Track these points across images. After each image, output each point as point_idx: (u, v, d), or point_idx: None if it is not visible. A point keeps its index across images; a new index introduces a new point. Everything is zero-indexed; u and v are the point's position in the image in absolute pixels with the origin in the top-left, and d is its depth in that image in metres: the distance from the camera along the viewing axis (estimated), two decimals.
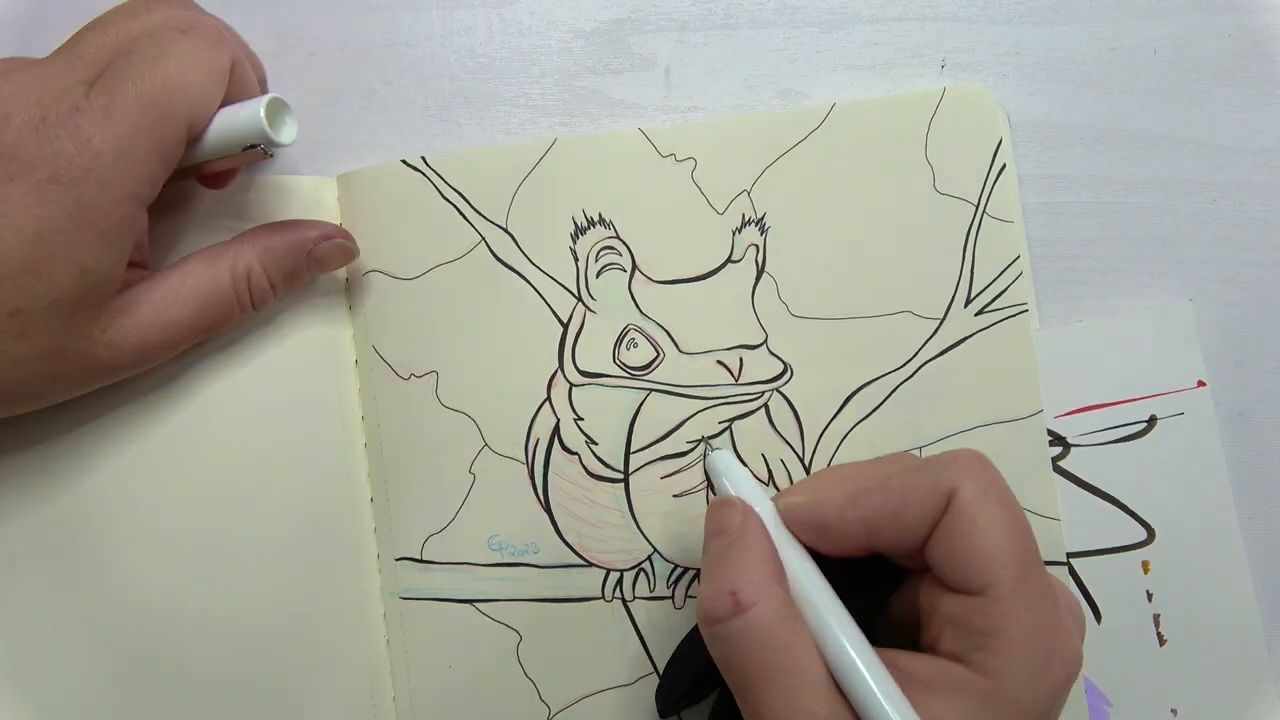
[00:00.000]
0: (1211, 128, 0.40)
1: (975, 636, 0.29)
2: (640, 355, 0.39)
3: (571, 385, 0.39)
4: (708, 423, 0.39)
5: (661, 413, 0.39)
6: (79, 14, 0.38)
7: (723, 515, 0.32)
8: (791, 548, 0.31)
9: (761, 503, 0.32)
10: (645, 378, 0.39)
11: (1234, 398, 0.40)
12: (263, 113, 0.33)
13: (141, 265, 0.36)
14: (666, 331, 0.39)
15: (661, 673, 0.37)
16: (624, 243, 0.39)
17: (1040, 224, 0.40)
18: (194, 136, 0.34)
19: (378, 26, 0.41)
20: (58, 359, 0.33)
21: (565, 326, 0.39)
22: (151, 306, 0.35)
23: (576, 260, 0.39)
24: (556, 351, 0.39)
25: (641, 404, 0.39)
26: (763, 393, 0.39)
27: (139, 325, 0.34)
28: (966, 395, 0.39)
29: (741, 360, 0.39)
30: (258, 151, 0.34)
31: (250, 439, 0.39)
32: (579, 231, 0.39)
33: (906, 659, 0.30)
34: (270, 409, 0.39)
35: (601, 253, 0.39)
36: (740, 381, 0.39)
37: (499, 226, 0.39)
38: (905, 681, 0.29)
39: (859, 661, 0.29)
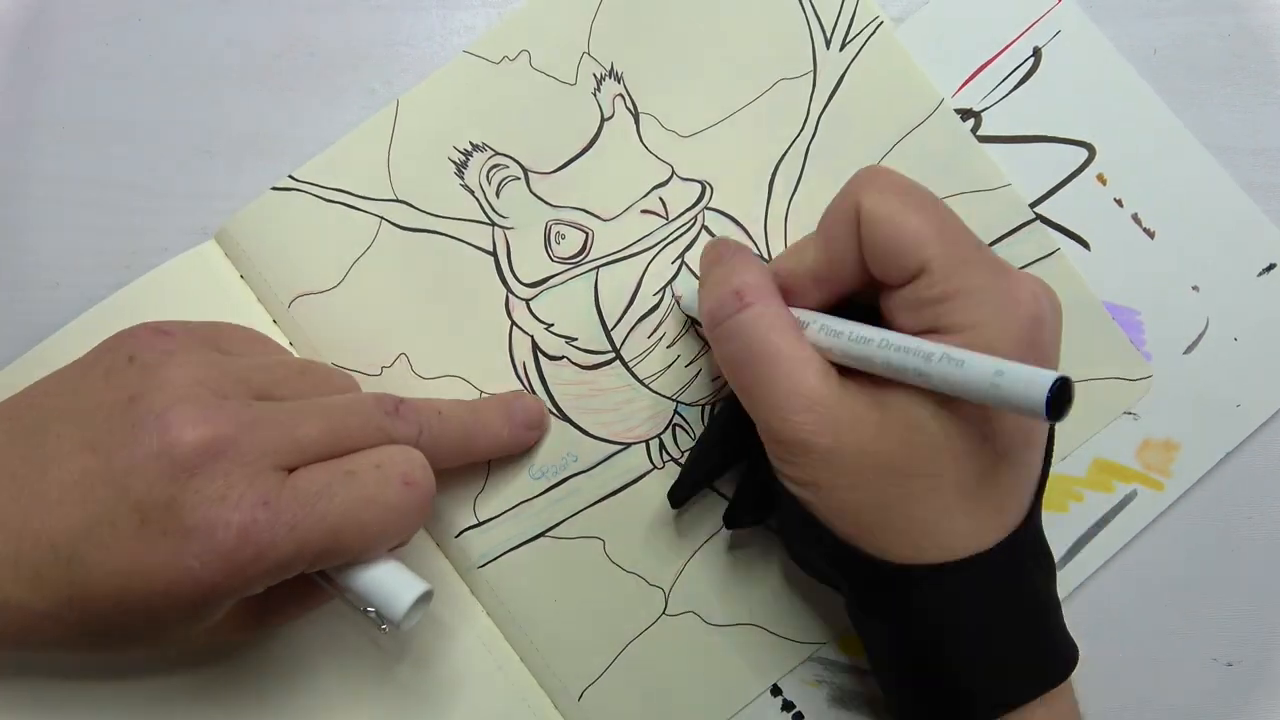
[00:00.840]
0: (1211, 128, 0.41)
1: (930, 307, 0.30)
2: (571, 243, 0.39)
3: (526, 301, 0.39)
4: (662, 268, 0.39)
5: (617, 282, 0.39)
6: (79, 14, 0.40)
7: (717, 247, 0.35)
8: None
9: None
10: (586, 260, 0.39)
11: (1234, 397, 0.40)
12: (410, 601, 0.32)
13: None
14: (583, 210, 0.40)
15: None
16: (505, 155, 0.40)
17: None
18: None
19: (378, 26, 0.41)
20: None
21: (494, 253, 0.39)
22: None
23: (472, 192, 0.39)
24: (498, 278, 0.39)
25: (596, 284, 0.39)
26: (694, 217, 0.40)
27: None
28: (870, 123, 0.40)
29: (661, 199, 0.40)
30: (371, 616, 0.32)
31: None
32: (461, 167, 0.40)
33: None
34: None
35: (490, 173, 0.39)
36: (670, 218, 0.40)
37: (390, 200, 0.39)
38: None
39: (845, 326, 0.31)
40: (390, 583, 0.32)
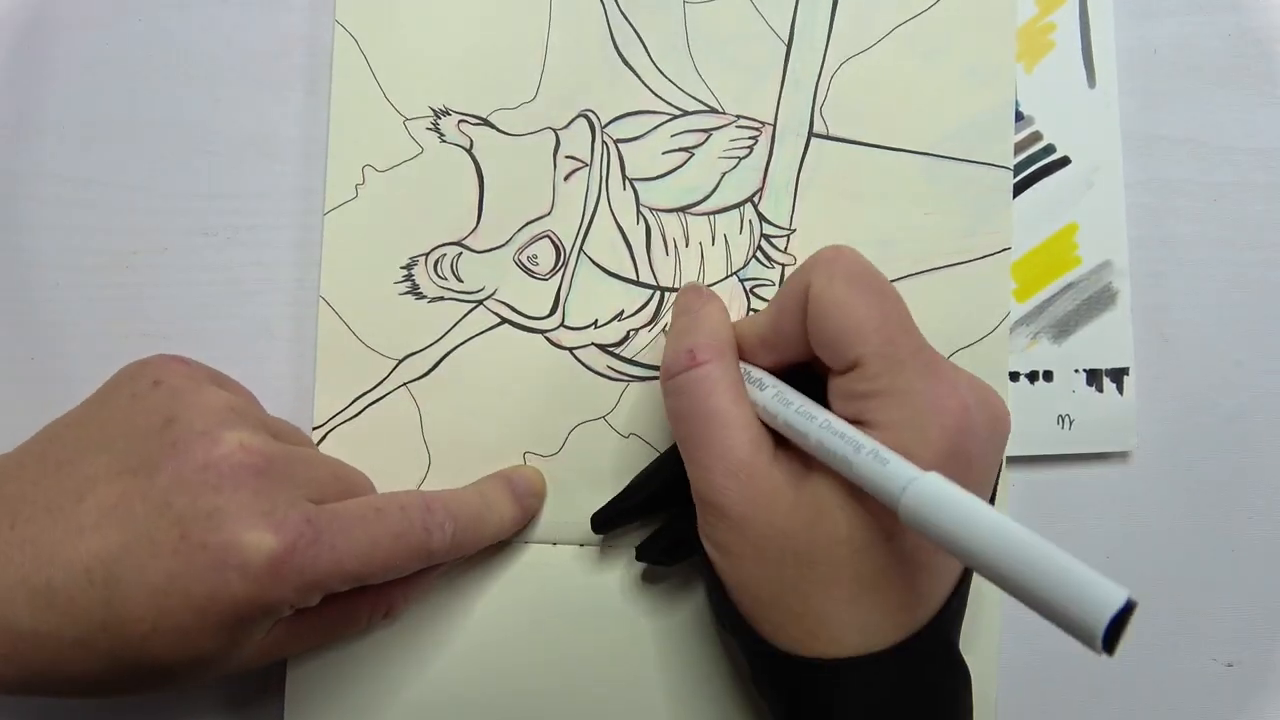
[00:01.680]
0: (1212, 128, 0.42)
1: (857, 401, 0.31)
2: (546, 255, 0.40)
3: (556, 328, 0.40)
4: (622, 199, 0.40)
5: (603, 242, 0.40)
6: (79, 14, 0.40)
7: (687, 296, 0.36)
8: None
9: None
10: (568, 253, 0.40)
11: (1234, 398, 0.41)
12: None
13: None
14: (527, 224, 0.40)
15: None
16: (437, 248, 0.40)
17: None
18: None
19: None
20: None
21: (503, 321, 0.40)
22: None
23: (444, 295, 0.39)
24: (525, 333, 0.40)
25: (592, 261, 0.40)
26: (603, 143, 0.40)
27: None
28: None
29: (569, 156, 0.40)
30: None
31: None
32: (415, 287, 0.40)
33: None
34: None
35: (437, 267, 0.40)
36: (589, 162, 0.40)
37: (405, 359, 0.40)
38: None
39: (795, 399, 0.32)
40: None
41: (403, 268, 0.40)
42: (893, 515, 0.28)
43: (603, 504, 0.38)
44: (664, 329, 0.39)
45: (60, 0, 0.41)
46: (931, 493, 0.27)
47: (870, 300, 0.31)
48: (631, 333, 0.39)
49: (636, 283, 0.40)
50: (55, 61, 0.41)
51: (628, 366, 0.39)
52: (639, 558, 0.37)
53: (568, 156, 0.40)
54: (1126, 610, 0.23)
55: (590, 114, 0.40)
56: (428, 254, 0.40)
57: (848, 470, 0.29)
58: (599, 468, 0.39)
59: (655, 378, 0.39)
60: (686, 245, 0.39)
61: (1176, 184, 0.41)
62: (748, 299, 0.39)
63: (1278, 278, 0.41)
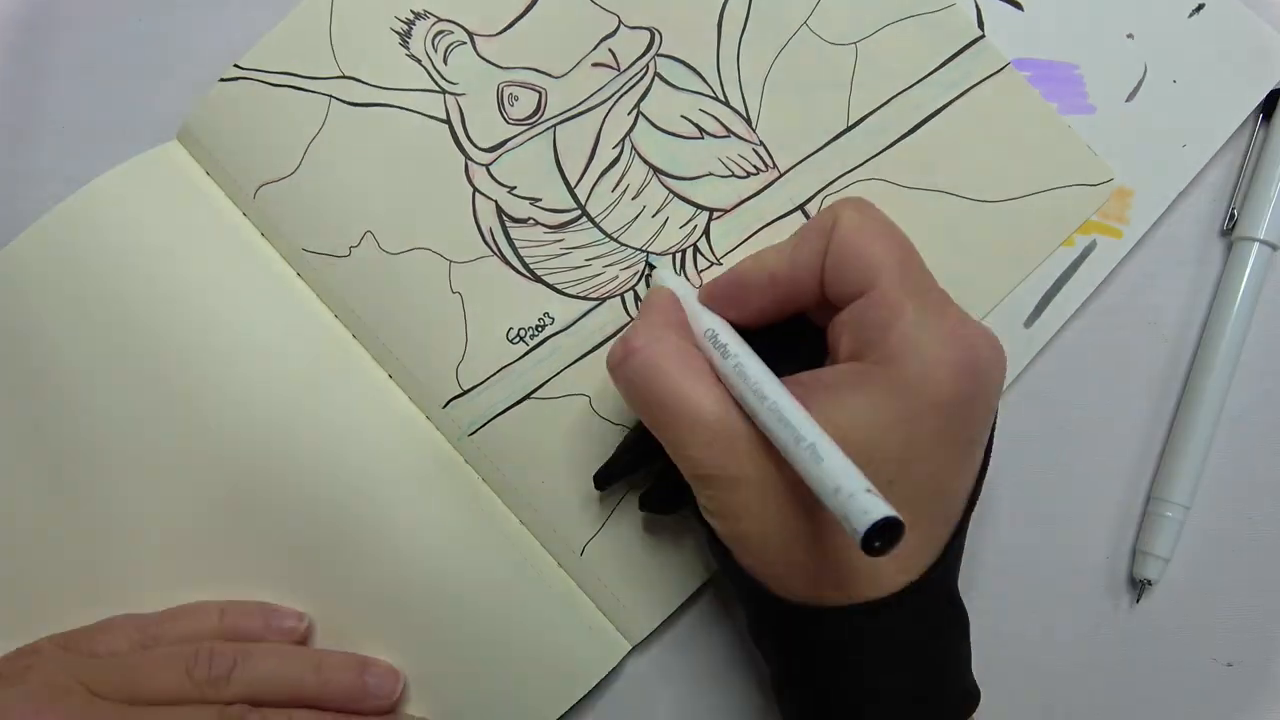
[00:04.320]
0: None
1: (868, 330, 0.30)
2: (525, 104, 0.39)
3: (486, 166, 0.39)
4: (619, 121, 0.39)
5: (576, 138, 0.39)
6: (79, 14, 0.40)
7: (646, 299, 0.36)
8: (706, 314, 0.34)
9: (679, 285, 0.35)
10: (542, 120, 0.39)
11: (1234, 397, 0.40)
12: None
13: None
14: (533, 69, 0.40)
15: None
16: (449, 20, 0.40)
17: None
18: None
19: None
20: None
21: (448, 121, 0.39)
22: None
23: (419, 61, 0.40)
24: (455, 146, 0.39)
25: (555, 142, 0.39)
26: (646, 65, 0.40)
27: None
28: None
29: (611, 51, 0.40)
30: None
31: (248, 399, 0.38)
32: (405, 37, 0.40)
33: (809, 374, 0.32)
34: (247, 359, 0.38)
35: (435, 40, 0.40)
36: (622, 69, 0.40)
37: (337, 78, 0.39)
38: (808, 389, 0.30)
39: (752, 373, 0.30)
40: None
41: (414, 11, 0.39)
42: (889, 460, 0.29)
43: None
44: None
45: (60, 0, 0.41)
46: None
47: (894, 237, 0.32)
48: (533, 221, 0.39)
49: (570, 190, 0.39)
50: (55, 61, 0.41)
51: (508, 239, 0.39)
52: (641, 508, 0.37)
53: (610, 49, 0.40)
54: (885, 525, 0.25)
55: (656, 32, 0.40)
56: (440, 19, 0.39)
57: (789, 459, 0.28)
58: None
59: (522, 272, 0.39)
60: (634, 198, 0.39)
61: None
62: (643, 279, 0.39)
63: (1278, 278, 0.41)
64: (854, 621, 0.30)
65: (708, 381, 0.31)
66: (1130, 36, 0.41)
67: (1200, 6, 0.41)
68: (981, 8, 0.41)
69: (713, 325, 0.33)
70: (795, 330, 0.34)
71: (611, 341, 0.38)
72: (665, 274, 0.37)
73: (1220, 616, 0.40)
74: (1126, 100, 0.40)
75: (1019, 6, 0.41)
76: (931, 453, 0.30)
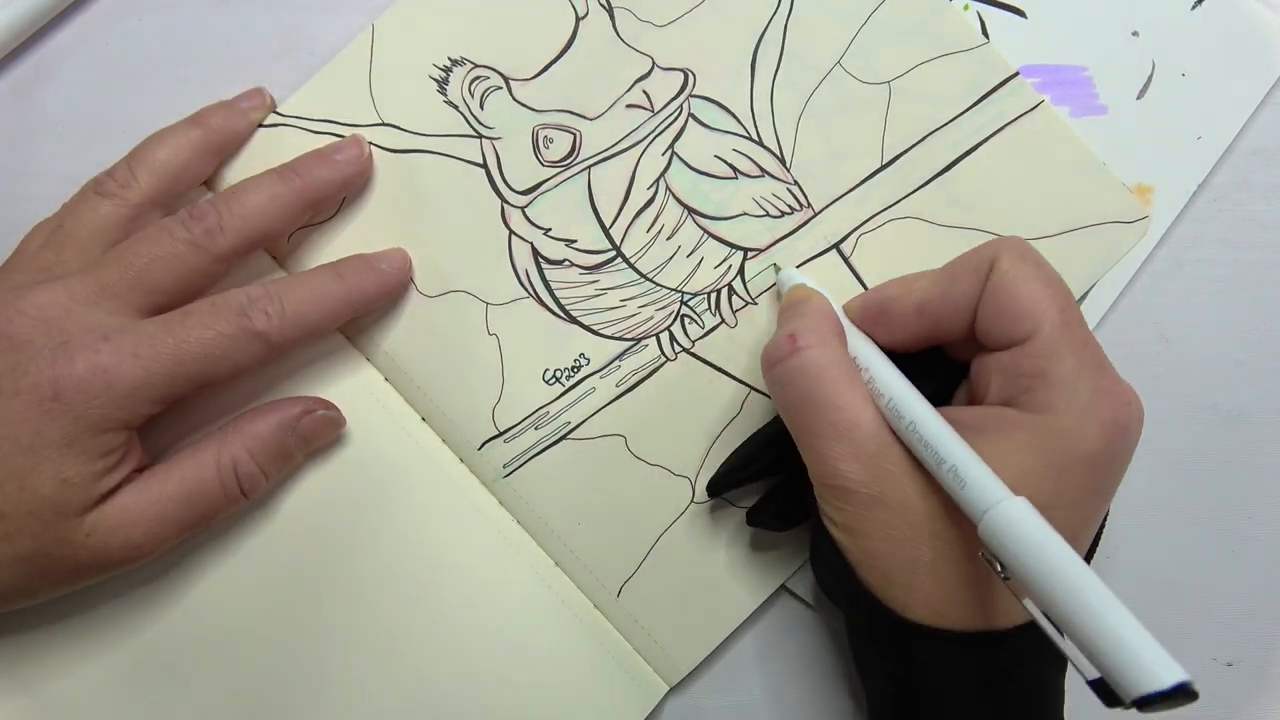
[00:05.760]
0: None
1: (1022, 379, 0.30)
2: (560, 146, 0.40)
3: (522, 208, 0.39)
4: (653, 161, 0.40)
5: (610, 179, 0.40)
6: (79, 14, 0.40)
7: (794, 294, 0.36)
8: (855, 332, 0.34)
9: (828, 296, 0.35)
10: (577, 161, 0.40)
11: (1234, 397, 0.40)
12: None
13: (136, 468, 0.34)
14: (568, 112, 0.40)
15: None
16: (485, 67, 0.40)
17: None
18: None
19: None
20: (41, 560, 0.32)
21: (484, 165, 0.40)
22: (137, 508, 0.33)
23: (456, 107, 0.40)
24: (491, 189, 0.40)
25: (589, 184, 0.40)
26: (680, 106, 0.40)
27: (124, 528, 0.33)
28: None
29: (645, 92, 0.40)
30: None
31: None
32: (442, 84, 0.40)
33: (957, 411, 0.31)
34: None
35: (472, 86, 0.40)
36: (656, 110, 0.40)
37: (376, 125, 0.40)
38: (956, 428, 0.30)
39: (913, 401, 0.30)
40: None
41: (450, 59, 0.40)
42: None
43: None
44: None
45: (60, 0, 0.41)
46: (1008, 522, 0.27)
47: (1056, 285, 0.31)
48: (568, 262, 0.39)
49: (605, 231, 0.40)
50: (55, 61, 0.41)
51: (544, 281, 0.39)
52: (750, 522, 0.37)
53: (644, 90, 0.40)
54: (1180, 691, 0.23)
55: (690, 73, 0.40)
56: (476, 65, 0.40)
57: (936, 477, 0.29)
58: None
59: (559, 315, 0.39)
60: (668, 239, 0.39)
61: None
62: (678, 320, 0.39)
63: (1278, 278, 0.41)
64: (972, 647, 0.30)
65: (865, 395, 0.31)
66: (1136, 34, 0.41)
67: None
68: (985, 18, 0.41)
69: (860, 343, 0.33)
70: (930, 361, 0.34)
71: (646, 381, 0.39)
72: (809, 282, 0.37)
73: (1220, 616, 0.40)
74: (1137, 98, 0.41)
75: (1022, 14, 0.41)
76: (1074, 504, 0.30)
